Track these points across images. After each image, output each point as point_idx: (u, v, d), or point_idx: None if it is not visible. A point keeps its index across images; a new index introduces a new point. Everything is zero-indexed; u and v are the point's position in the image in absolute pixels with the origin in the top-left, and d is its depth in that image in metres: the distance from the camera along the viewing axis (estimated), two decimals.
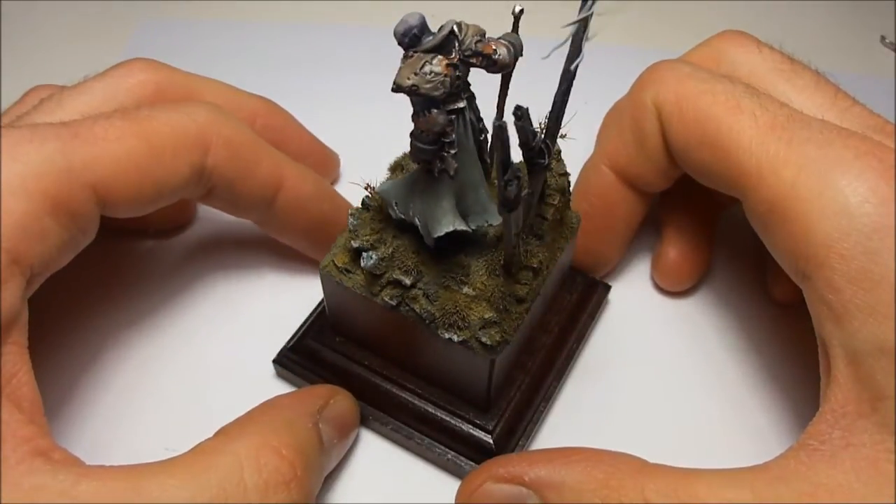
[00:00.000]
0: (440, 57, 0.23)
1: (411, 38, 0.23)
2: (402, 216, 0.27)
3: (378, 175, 0.31)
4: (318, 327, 0.34)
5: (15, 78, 0.49)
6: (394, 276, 0.28)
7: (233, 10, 0.57)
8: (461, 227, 0.26)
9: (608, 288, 0.37)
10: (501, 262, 0.28)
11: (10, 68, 0.50)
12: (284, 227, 0.35)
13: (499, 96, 0.28)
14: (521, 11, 0.25)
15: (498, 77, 0.27)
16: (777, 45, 0.33)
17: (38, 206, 0.26)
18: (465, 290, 0.27)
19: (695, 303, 0.38)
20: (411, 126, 0.25)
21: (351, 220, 0.30)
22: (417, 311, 0.28)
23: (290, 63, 0.52)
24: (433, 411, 0.32)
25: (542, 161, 0.25)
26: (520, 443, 0.31)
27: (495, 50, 0.23)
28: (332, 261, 0.30)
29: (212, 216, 0.40)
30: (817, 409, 0.26)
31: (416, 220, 0.27)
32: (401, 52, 0.23)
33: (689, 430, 0.33)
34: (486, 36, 0.24)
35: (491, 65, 0.24)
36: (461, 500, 0.28)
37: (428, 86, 0.22)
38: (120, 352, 0.35)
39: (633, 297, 0.38)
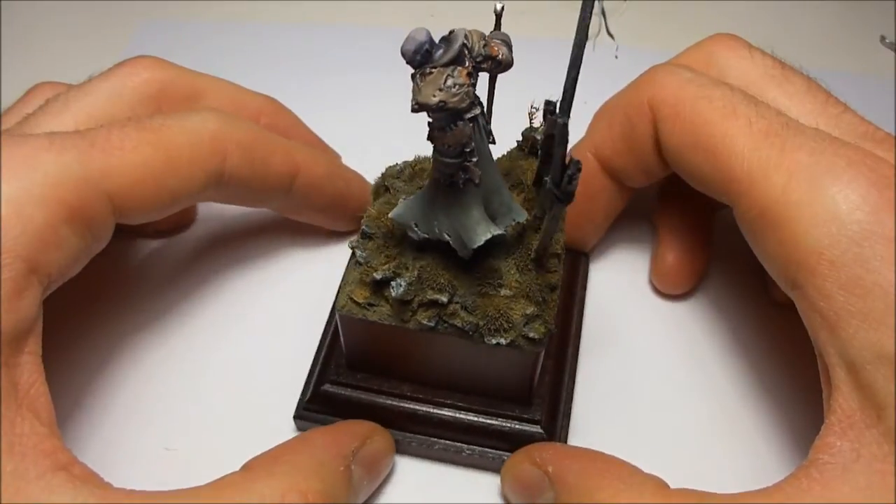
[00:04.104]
0: (460, 68, 0.22)
1: (423, 55, 0.22)
2: (427, 235, 0.27)
3: (378, 175, 0.31)
4: (334, 370, 0.32)
5: (15, 77, 0.48)
6: (427, 297, 0.27)
7: (233, 10, 0.56)
8: (497, 231, 0.26)
9: (587, 256, 0.38)
10: (531, 256, 0.28)
11: (11, 68, 0.50)
12: (302, 209, 0.37)
13: (488, 95, 0.28)
14: (503, 9, 0.25)
15: (485, 76, 0.26)
16: (778, 45, 0.33)
17: (56, 215, 0.26)
18: (503, 291, 0.27)
19: (693, 305, 0.38)
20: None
21: (359, 252, 0.28)
22: (459, 325, 0.27)
23: (290, 63, 0.51)
24: (476, 419, 0.32)
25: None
26: (562, 423, 0.32)
27: (498, 51, 0.23)
28: (350, 298, 0.28)
29: (212, 216, 0.40)
30: (816, 412, 0.26)
31: (446, 236, 0.26)
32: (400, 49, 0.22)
33: (686, 432, 0.34)
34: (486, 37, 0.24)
35: (496, 66, 0.24)
36: (504, 471, 0.30)
37: (455, 99, 0.22)
38: (118, 352, 0.35)
39: (632, 300, 0.38)
